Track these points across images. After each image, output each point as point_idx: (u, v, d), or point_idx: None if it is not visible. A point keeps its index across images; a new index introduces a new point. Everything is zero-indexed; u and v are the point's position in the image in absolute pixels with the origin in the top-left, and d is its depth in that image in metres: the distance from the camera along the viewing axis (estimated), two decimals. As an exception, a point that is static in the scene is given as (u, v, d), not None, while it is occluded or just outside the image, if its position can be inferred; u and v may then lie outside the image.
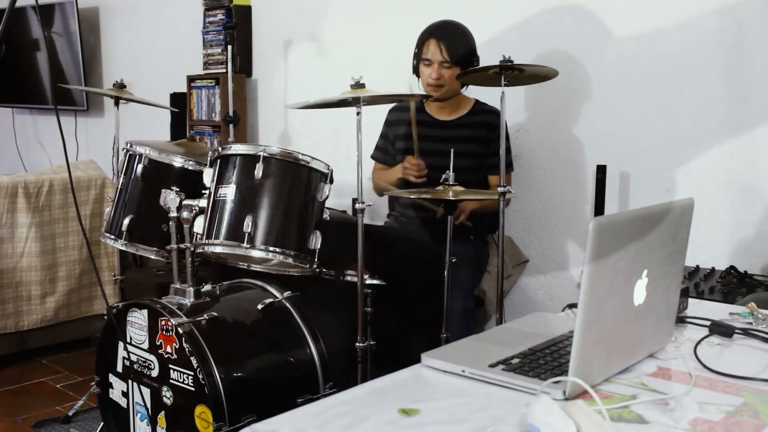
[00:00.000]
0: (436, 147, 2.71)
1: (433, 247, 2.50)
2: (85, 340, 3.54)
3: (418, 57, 2.71)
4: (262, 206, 2.08)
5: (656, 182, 2.72)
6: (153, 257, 2.38)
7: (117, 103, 3.09)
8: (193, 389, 1.96)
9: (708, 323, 1.43)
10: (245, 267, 2.29)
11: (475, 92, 2.82)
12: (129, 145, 2.40)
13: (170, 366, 2.02)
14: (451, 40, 2.64)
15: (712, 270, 2.43)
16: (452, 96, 2.75)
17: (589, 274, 1.02)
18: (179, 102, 4.20)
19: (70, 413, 2.79)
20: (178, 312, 2.02)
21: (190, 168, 2.34)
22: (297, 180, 2.13)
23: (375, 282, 2.25)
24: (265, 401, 2.02)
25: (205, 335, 1.97)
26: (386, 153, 2.92)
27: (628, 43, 2.76)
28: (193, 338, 1.95)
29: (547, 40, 2.95)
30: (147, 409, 2.11)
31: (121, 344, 2.16)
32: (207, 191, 2.16)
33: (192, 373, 1.95)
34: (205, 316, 2.02)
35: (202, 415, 1.94)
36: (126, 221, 2.33)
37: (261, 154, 2.08)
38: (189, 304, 2.11)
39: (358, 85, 2.12)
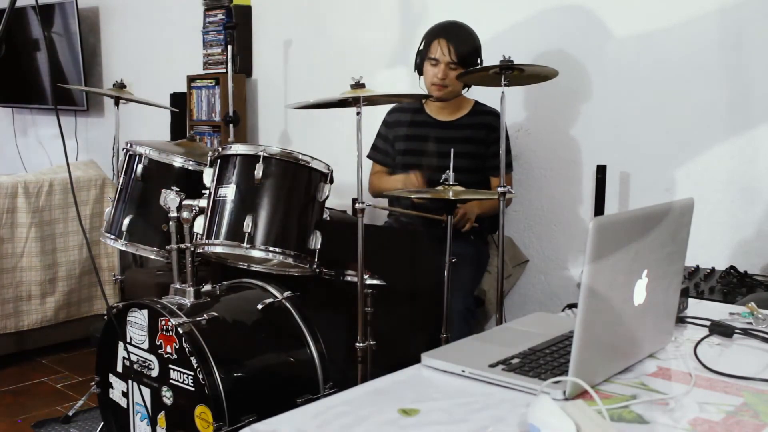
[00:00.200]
0: (436, 148, 2.72)
1: (434, 247, 2.50)
2: (85, 340, 3.54)
3: (423, 55, 2.71)
4: (262, 206, 2.08)
5: (656, 182, 2.72)
6: (153, 257, 2.38)
7: (117, 103, 3.09)
8: (193, 389, 1.96)
9: (708, 323, 1.43)
10: (245, 267, 2.29)
11: (475, 92, 2.82)
12: (129, 145, 2.40)
13: (170, 366, 2.02)
14: (459, 42, 2.64)
15: (712, 270, 2.43)
16: (454, 97, 2.76)
17: (589, 274, 1.02)
18: (179, 102, 4.20)
19: (70, 413, 2.79)
20: (178, 312, 2.02)
21: (190, 168, 2.34)
22: (297, 180, 2.13)
23: (375, 282, 2.25)
24: (265, 401, 2.02)
25: (205, 335, 1.97)
26: (386, 154, 2.92)
27: (628, 43, 2.76)
28: (193, 338, 1.95)
29: (547, 40, 2.95)
30: (147, 409, 2.11)
31: (121, 344, 2.16)
32: (207, 191, 2.16)
33: (192, 373, 1.95)
34: (205, 316, 2.02)
35: (202, 415, 1.94)
36: (126, 221, 2.33)
37: (261, 154, 2.08)
38: (189, 304, 2.11)
39: (358, 85, 2.12)
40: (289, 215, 2.11)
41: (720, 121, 2.57)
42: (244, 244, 2.05)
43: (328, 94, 2.17)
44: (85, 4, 4.96)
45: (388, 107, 2.91)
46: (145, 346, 2.08)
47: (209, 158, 2.19)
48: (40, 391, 3.12)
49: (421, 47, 2.73)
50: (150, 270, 3.61)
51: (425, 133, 2.79)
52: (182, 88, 4.23)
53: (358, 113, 2.12)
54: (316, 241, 2.13)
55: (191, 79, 4.18)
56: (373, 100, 2.25)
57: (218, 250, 2.12)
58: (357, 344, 2.18)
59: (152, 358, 2.07)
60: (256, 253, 2.08)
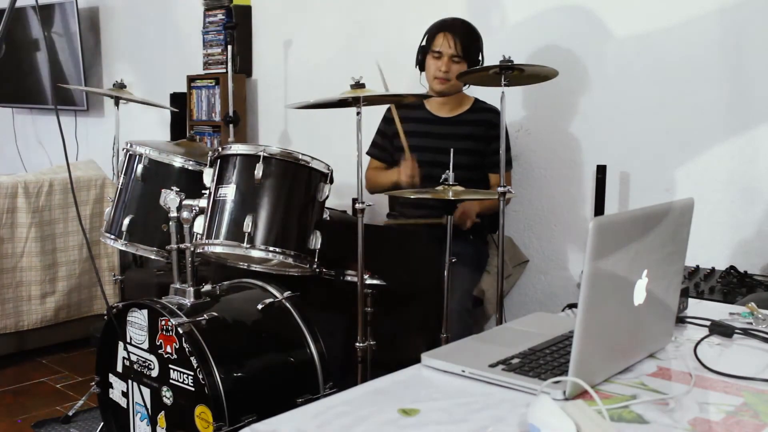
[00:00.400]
0: (435, 144, 2.72)
1: (433, 247, 2.50)
2: (85, 340, 3.54)
3: (426, 50, 2.71)
4: (262, 206, 2.08)
5: (656, 182, 2.72)
6: (153, 257, 2.38)
7: (117, 103, 3.09)
8: (193, 389, 1.96)
9: (708, 323, 1.43)
10: (245, 267, 2.29)
11: (475, 92, 2.82)
12: (129, 145, 2.40)
13: (170, 366, 2.02)
14: (463, 36, 2.66)
15: (712, 270, 2.43)
16: (456, 92, 2.76)
17: (589, 274, 1.02)
18: (179, 102, 4.20)
19: (70, 413, 2.79)
20: (178, 312, 2.02)
21: (190, 168, 2.34)
22: (297, 180, 2.13)
23: (375, 282, 2.25)
24: (265, 401, 2.02)
25: (205, 335, 1.97)
26: (384, 150, 2.92)
27: (628, 43, 2.76)
28: (193, 338, 1.95)
29: (547, 40, 2.95)
30: (147, 409, 2.11)
31: (121, 344, 2.16)
32: (207, 191, 2.16)
33: (192, 373, 1.95)
34: (205, 316, 2.02)
35: (202, 415, 1.94)
36: (126, 221, 2.33)
37: (261, 154, 2.08)
38: (189, 304, 2.11)
39: (358, 85, 2.12)
40: (289, 215, 2.11)
41: (720, 121, 2.57)
42: (244, 244, 2.05)
43: (328, 94, 2.17)
44: (85, 4, 4.96)
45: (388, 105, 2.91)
46: (145, 346, 2.08)
47: (209, 158, 2.18)
48: (40, 391, 3.12)
49: (424, 42, 2.73)
50: (150, 270, 3.61)
51: (425, 130, 2.79)
52: (182, 88, 4.23)
53: (358, 113, 2.12)
54: (316, 241, 2.13)
55: (191, 79, 4.18)
56: (373, 100, 2.25)
57: (218, 250, 2.12)
58: (357, 344, 2.18)
59: (152, 358, 2.07)
60: (256, 253, 2.08)
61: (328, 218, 2.21)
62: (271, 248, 2.07)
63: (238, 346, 2.09)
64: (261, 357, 2.12)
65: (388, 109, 2.91)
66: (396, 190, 2.67)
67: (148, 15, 4.69)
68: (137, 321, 2.10)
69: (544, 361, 1.20)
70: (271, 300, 2.17)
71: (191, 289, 2.13)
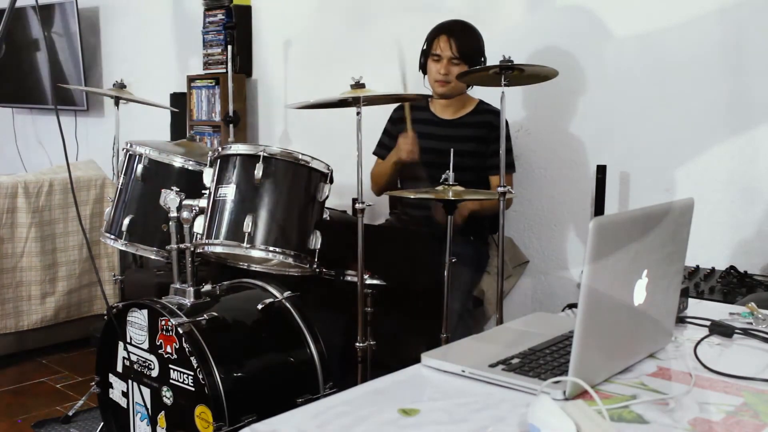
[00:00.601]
0: (438, 145, 2.72)
1: (433, 247, 2.50)
2: (85, 340, 3.54)
3: (427, 53, 2.72)
4: (262, 206, 2.08)
5: (656, 182, 2.72)
6: (153, 257, 2.38)
7: (117, 103, 3.09)
8: (193, 389, 1.96)
9: (708, 323, 1.43)
10: (245, 267, 2.30)
11: (475, 92, 2.82)
12: (129, 145, 2.40)
13: (170, 366, 2.02)
14: (462, 38, 2.66)
15: (712, 270, 2.43)
16: (457, 94, 2.76)
17: (589, 274, 1.02)
18: (179, 102, 4.20)
19: (70, 413, 2.79)
20: (178, 312, 2.02)
21: (190, 168, 2.34)
22: (297, 180, 2.13)
23: (375, 282, 2.25)
24: (265, 401, 2.02)
25: (205, 335, 1.97)
26: (389, 150, 2.92)
27: (628, 43, 2.76)
28: (193, 338, 1.95)
29: (547, 40, 2.95)
30: (147, 409, 2.11)
31: (121, 344, 2.16)
32: (207, 191, 2.16)
33: (192, 373, 1.95)
34: (205, 316, 2.02)
35: (202, 415, 1.94)
36: (126, 221, 2.33)
37: (261, 154, 2.08)
38: (189, 304, 2.11)
39: (358, 85, 2.12)
40: (289, 215, 2.11)
41: (720, 121, 2.57)
42: (244, 244, 2.05)
43: (328, 94, 2.17)
44: (85, 4, 4.96)
45: (390, 107, 2.92)
46: (145, 346, 2.08)
47: (209, 158, 2.19)
48: (40, 391, 3.12)
49: (425, 46, 2.74)
50: (150, 270, 3.61)
51: (428, 131, 2.80)
52: (182, 88, 4.23)
53: (358, 113, 2.12)
54: (316, 241, 2.13)
55: (191, 79, 4.18)
56: (373, 100, 2.25)
57: (218, 250, 2.12)
58: (357, 344, 2.18)
59: (152, 358, 2.07)
60: (256, 253, 2.08)
61: (328, 218, 2.21)
62: (271, 248, 2.07)
63: (238, 346, 2.09)
64: (261, 357, 2.12)
65: (395, 110, 2.92)
66: (399, 173, 2.67)
67: (148, 15, 4.69)
68: (137, 321, 2.10)
69: (544, 361, 1.20)
70: (271, 300, 2.17)
71: (191, 289, 2.13)
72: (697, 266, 2.47)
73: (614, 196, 2.80)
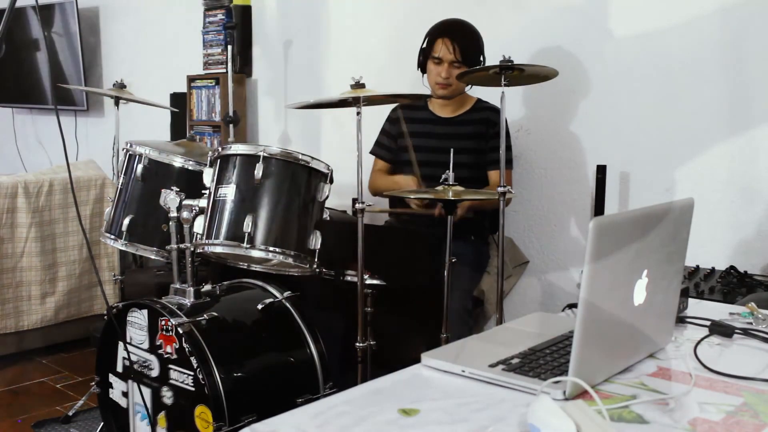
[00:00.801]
0: (438, 144, 2.72)
1: (433, 247, 2.50)
2: (85, 340, 3.54)
3: (427, 54, 2.71)
4: (262, 206, 2.08)
5: (656, 182, 2.72)
6: (153, 257, 2.38)
7: (117, 103, 3.09)
8: (193, 389, 1.96)
9: (708, 323, 1.43)
10: (245, 267, 2.29)
11: (475, 92, 2.82)
12: (129, 145, 2.40)
13: (170, 366, 2.02)
14: (463, 41, 2.65)
15: (712, 270, 2.43)
16: (458, 95, 2.77)
17: (589, 274, 1.02)
18: (179, 102, 4.20)
19: (70, 413, 2.79)
20: (178, 312, 2.02)
21: (190, 168, 2.34)
22: (297, 180, 2.13)
23: (375, 282, 2.25)
24: (265, 401, 2.02)
25: (205, 335, 1.97)
26: (388, 150, 2.92)
27: (628, 43, 2.76)
28: (193, 338, 1.95)
29: (547, 40, 2.95)
30: (147, 409, 2.11)
31: (121, 344, 2.16)
32: (207, 191, 2.16)
33: (192, 373, 1.95)
34: (205, 316, 2.02)
35: (202, 415, 1.94)
36: (126, 221, 2.33)
37: (261, 154, 2.08)
38: (189, 304, 2.11)
39: (358, 85, 2.12)
40: (289, 215, 2.11)
41: (720, 121, 2.57)
42: (244, 244, 2.05)
43: (328, 94, 2.17)
44: (85, 4, 4.96)
45: (390, 106, 2.91)
46: (145, 346, 2.08)
47: (209, 158, 2.19)
48: (40, 391, 3.12)
49: (425, 45, 2.73)
50: (150, 270, 3.61)
51: (427, 130, 2.80)
52: (182, 88, 4.23)
53: (358, 113, 2.12)
54: (316, 241, 2.13)
55: (191, 79, 4.18)
56: (373, 100, 2.25)
57: (218, 250, 2.12)
58: (357, 344, 2.18)
59: (152, 358, 2.07)
60: (256, 253, 2.08)
61: (328, 218, 2.21)
62: (271, 248, 2.07)
63: (238, 346, 2.09)
64: (261, 357, 2.12)
65: (393, 110, 2.92)
66: (397, 201, 2.67)
67: (148, 15, 4.69)
68: (137, 321, 2.10)
69: (544, 361, 1.20)
70: (271, 300, 2.17)
71: (191, 289, 2.13)
72: (697, 266, 2.47)
73: (614, 196, 2.80)
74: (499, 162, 2.27)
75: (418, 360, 1.23)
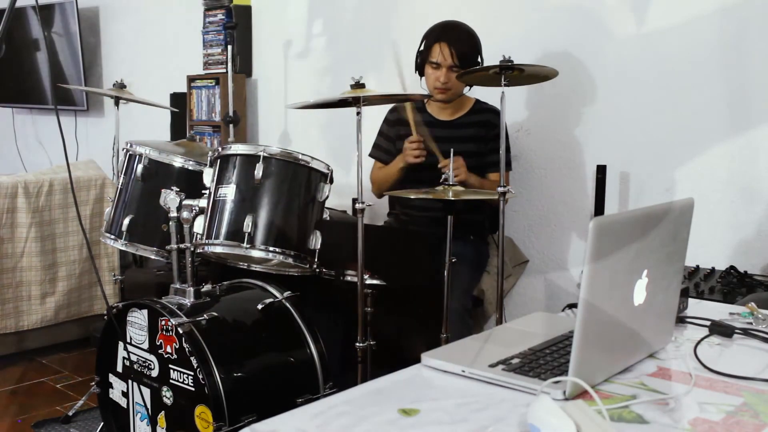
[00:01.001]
0: (437, 146, 2.71)
1: (433, 247, 2.50)
2: (85, 340, 3.54)
3: (424, 57, 2.70)
4: (262, 206, 2.08)
5: (656, 182, 2.72)
6: (153, 257, 2.38)
7: (117, 103, 3.09)
8: (193, 389, 1.96)
9: (708, 323, 1.43)
10: (245, 267, 2.30)
11: (476, 92, 2.82)
12: (129, 145, 2.40)
13: (170, 366, 2.02)
14: (460, 44, 2.64)
15: (712, 270, 2.43)
16: (457, 97, 2.76)
17: (589, 274, 1.02)
18: (179, 102, 4.20)
19: (70, 413, 2.79)
20: (178, 312, 2.02)
21: (190, 168, 2.34)
22: (297, 180, 2.13)
23: (375, 282, 2.25)
24: (265, 401, 2.02)
25: (205, 335, 1.97)
26: (387, 152, 2.92)
27: (628, 43, 2.76)
28: (193, 338, 1.95)
29: (547, 40, 2.95)
30: (147, 409, 2.11)
31: (121, 344, 2.16)
32: (207, 191, 2.16)
33: (192, 373, 1.95)
34: (205, 316, 2.02)
35: (202, 415, 1.94)
36: (126, 221, 2.33)
37: (261, 154, 2.08)
38: (189, 304, 2.11)
39: (358, 85, 2.12)
40: (289, 215, 2.11)
41: (720, 121, 2.57)
42: (244, 244, 2.05)
43: (328, 94, 2.17)
44: (85, 4, 4.96)
45: (389, 107, 2.91)
46: (145, 346, 2.08)
47: (209, 158, 2.19)
48: (40, 391, 3.12)
49: (422, 48, 2.72)
50: (150, 270, 3.61)
51: (426, 133, 2.79)
52: (182, 88, 4.23)
53: (358, 113, 2.12)
54: (316, 241, 2.13)
55: (191, 79, 4.18)
56: (373, 100, 2.25)
57: (218, 250, 2.12)
58: (357, 344, 2.18)
59: (152, 358, 2.07)
60: (256, 253, 2.08)
61: (328, 218, 2.21)
62: (271, 248, 2.07)
63: (238, 346, 2.09)
64: (261, 357, 2.12)
65: (390, 111, 2.91)
66: (404, 177, 2.66)
67: (148, 15, 4.69)
68: (137, 321, 2.10)
69: (544, 361, 1.20)
70: (271, 300, 2.17)
71: (191, 289, 2.13)
72: (697, 266, 2.47)
73: (614, 196, 2.80)
74: (498, 164, 2.27)
75: (418, 360, 1.23)
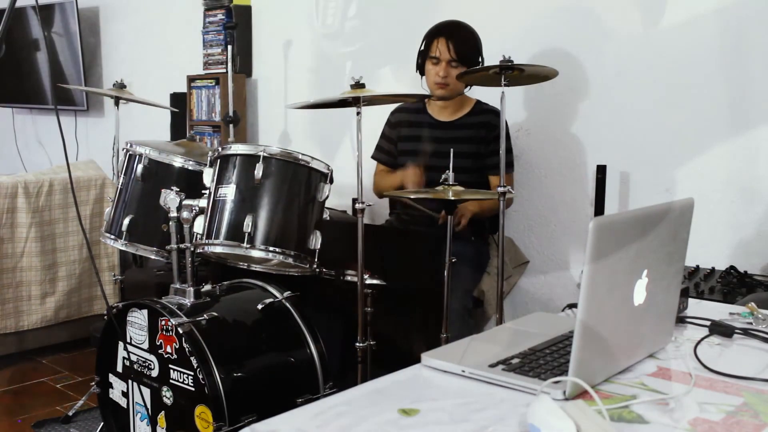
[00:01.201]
0: (437, 148, 2.72)
1: (433, 247, 2.50)
2: (85, 340, 3.54)
3: (425, 55, 2.71)
4: (262, 206, 2.08)
5: (656, 182, 2.72)
6: (153, 257, 2.38)
7: (117, 103, 3.09)
8: (193, 389, 1.96)
9: (708, 323, 1.43)
10: (245, 267, 2.29)
11: (475, 92, 2.82)
12: (129, 145, 2.40)
13: (170, 366, 2.02)
14: (459, 40, 2.65)
15: (712, 270, 2.43)
16: (457, 95, 2.76)
17: (589, 274, 1.02)
18: (179, 102, 4.20)
19: (70, 413, 2.79)
20: (178, 312, 2.02)
21: (190, 168, 2.34)
22: (297, 180, 2.13)
23: (375, 282, 2.25)
24: (265, 401, 2.02)
25: (205, 335, 1.97)
26: (389, 154, 2.92)
27: (628, 43, 2.76)
28: (193, 338, 1.95)
29: (547, 40, 2.95)
30: (147, 409, 2.11)
31: (121, 344, 2.16)
32: (207, 191, 2.16)
33: (192, 373, 1.95)
34: (205, 316, 2.02)
35: (202, 415, 1.94)
36: (126, 221, 2.33)
37: (261, 154, 2.08)
38: (189, 304, 2.11)
39: (358, 85, 2.12)
40: (289, 215, 2.11)
41: (720, 121, 2.57)
42: (244, 244, 2.05)
43: (328, 94, 2.17)
44: (85, 4, 4.96)
45: (391, 107, 2.92)
46: (145, 346, 2.08)
47: (209, 158, 2.19)
48: (40, 391, 3.12)
49: (422, 47, 2.73)
50: (150, 270, 3.61)
51: (427, 134, 2.79)
52: (182, 88, 4.23)
53: (358, 113, 2.12)
54: (316, 241, 2.13)
55: (191, 79, 4.18)
56: (373, 100, 2.25)
57: (218, 250, 2.12)
58: (357, 344, 2.18)
59: (152, 358, 2.07)
60: (256, 253, 2.08)
61: (328, 218, 2.21)
62: (271, 248, 2.07)
63: (238, 346, 2.09)
64: (261, 357, 2.12)
65: (392, 113, 2.92)
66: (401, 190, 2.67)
67: (148, 15, 4.69)
68: (137, 321, 2.10)
69: (544, 361, 1.20)
70: (271, 300, 2.17)
71: (191, 289, 2.13)
72: (697, 266, 2.47)
73: (614, 196, 2.80)
74: (499, 166, 2.28)
75: (418, 360, 1.23)
